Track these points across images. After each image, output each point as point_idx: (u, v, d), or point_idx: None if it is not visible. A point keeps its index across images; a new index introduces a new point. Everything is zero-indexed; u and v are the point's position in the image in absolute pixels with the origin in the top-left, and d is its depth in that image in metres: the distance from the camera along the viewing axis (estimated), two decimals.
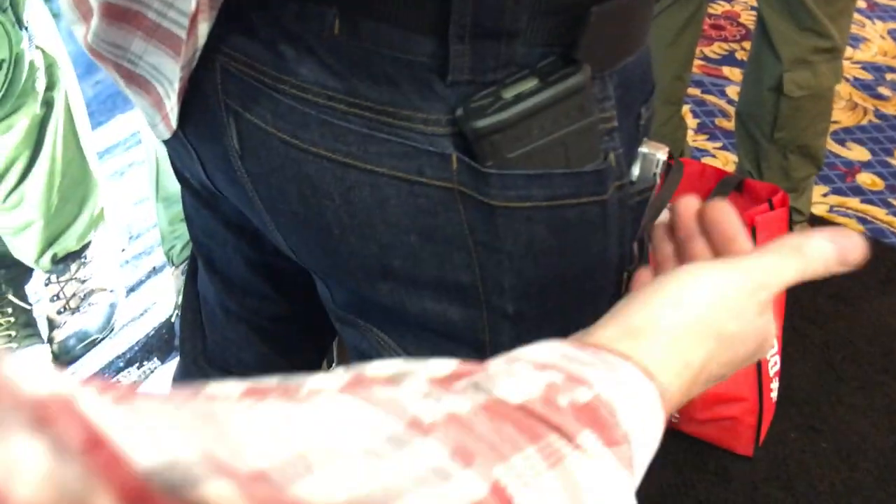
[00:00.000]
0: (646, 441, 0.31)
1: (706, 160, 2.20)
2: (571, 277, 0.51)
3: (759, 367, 1.42)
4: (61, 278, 1.27)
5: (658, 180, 0.51)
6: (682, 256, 0.46)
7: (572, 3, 0.44)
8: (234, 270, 0.70)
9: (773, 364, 1.47)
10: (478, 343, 0.53)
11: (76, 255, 1.27)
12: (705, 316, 0.38)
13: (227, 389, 0.23)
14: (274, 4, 0.46)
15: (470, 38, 0.43)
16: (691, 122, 2.34)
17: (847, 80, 2.47)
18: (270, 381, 0.25)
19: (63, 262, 1.26)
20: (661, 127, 1.78)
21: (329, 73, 0.45)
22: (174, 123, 0.53)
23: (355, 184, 0.47)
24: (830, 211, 2.02)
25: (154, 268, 1.40)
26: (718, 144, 2.25)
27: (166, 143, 0.59)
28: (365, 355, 0.60)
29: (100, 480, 0.16)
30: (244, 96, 0.49)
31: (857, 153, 2.22)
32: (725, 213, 0.44)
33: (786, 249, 0.40)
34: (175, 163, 0.67)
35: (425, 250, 0.49)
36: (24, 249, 1.21)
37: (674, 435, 1.48)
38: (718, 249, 0.44)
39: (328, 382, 0.26)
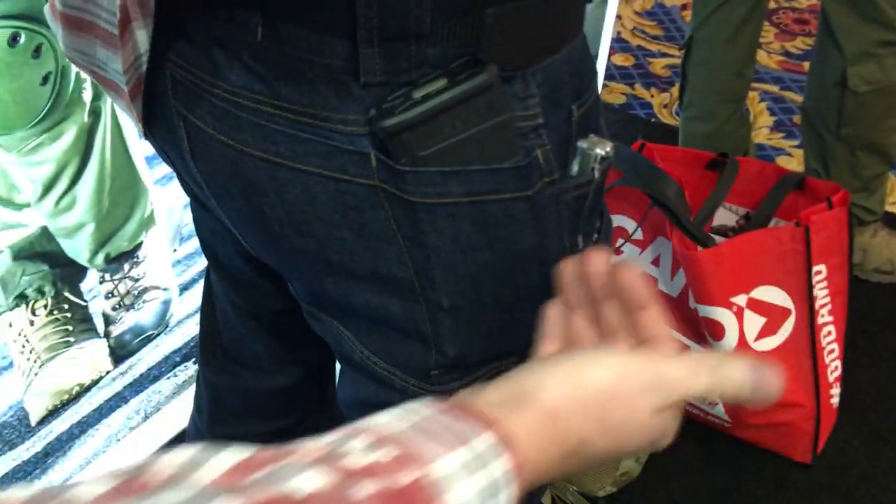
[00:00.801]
0: None
1: (782, 159, 2.13)
2: (504, 272, 0.52)
3: (817, 371, 1.37)
4: (115, 277, 1.34)
5: (597, 175, 0.51)
6: (595, 312, 0.46)
7: (468, 5, 0.45)
8: (235, 266, 0.74)
9: (834, 369, 1.41)
10: (421, 335, 0.54)
11: (129, 255, 1.34)
12: (593, 401, 0.39)
13: None
14: (205, 13, 0.49)
15: (378, 40, 0.45)
16: (767, 119, 2.27)
17: None
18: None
19: (116, 262, 1.33)
20: (722, 125, 1.74)
21: (255, 78, 0.48)
22: (142, 128, 0.56)
23: (287, 182, 0.49)
24: None
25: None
26: (795, 143, 2.17)
27: None
28: (334, 349, 0.62)
29: None
30: (188, 100, 0.52)
31: None
32: (636, 279, 0.45)
33: (703, 367, 0.41)
34: None
35: (358, 245, 0.51)
36: (78, 249, 1.29)
37: (729, 440, 1.44)
38: (629, 314, 0.45)
39: (86, 491, 0.26)
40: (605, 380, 0.39)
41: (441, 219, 0.48)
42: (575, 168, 0.51)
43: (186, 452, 0.30)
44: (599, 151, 0.50)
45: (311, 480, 0.29)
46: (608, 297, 0.46)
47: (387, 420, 0.34)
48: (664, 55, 2.53)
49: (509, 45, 0.46)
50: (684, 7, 2.74)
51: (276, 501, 0.27)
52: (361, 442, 0.32)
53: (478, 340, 0.55)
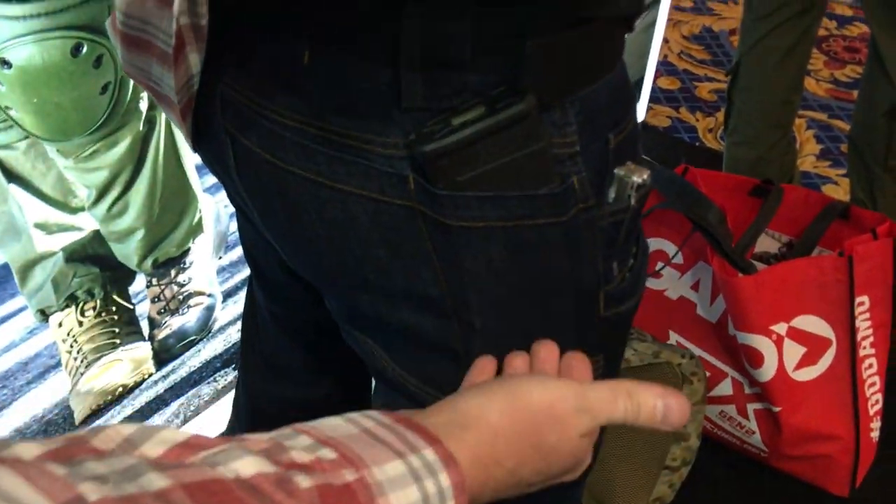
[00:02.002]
0: None
1: (828, 187, 2.11)
2: (537, 296, 0.52)
3: (857, 404, 1.35)
4: (162, 282, 1.37)
5: (633, 202, 0.51)
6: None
7: (511, 37, 0.46)
8: (276, 278, 0.75)
9: (875, 402, 1.39)
10: (454, 354, 0.55)
11: (176, 261, 1.37)
12: (531, 423, 0.40)
13: None
14: (256, 39, 0.51)
15: (420, 67, 0.46)
16: (814, 147, 2.25)
17: None
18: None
19: (163, 267, 1.36)
20: (768, 151, 1.73)
21: (300, 101, 0.50)
22: (192, 143, 0.59)
23: (327, 201, 0.51)
24: None
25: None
26: (842, 171, 2.15)
27: None
28: (368, 365, 0.63)
29: None
30: (236, 119, 0.54)
31: None
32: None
33: (619, 392, 0.43)
34: None
35: (395, 264, 0.52)
36: (128, 254, 1.33)
37: (765, 469, 1.42)
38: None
39: (26, 449, 0.27)
40: (543, 402, 0.41)
41: (476, 242, 0.49)
42: (611, 195, 0.51)
43: (132, 426, 0.31)
44: (636, 179, 0.51)
45: (250, 466, 0.30)
46: None
47: (333, 424, 0.36)
48: (710, 80, 2.52)
49: (548, 74, 0.47)
50: (732, 32, 2.73)
51: (210, 483, 0.28)
52: (306, 440, 0.34)
53: None
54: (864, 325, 1.34)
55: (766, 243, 1.53)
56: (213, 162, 0.61)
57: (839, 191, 2.08)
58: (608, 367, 0.59)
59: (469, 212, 0.48)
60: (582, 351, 0.57)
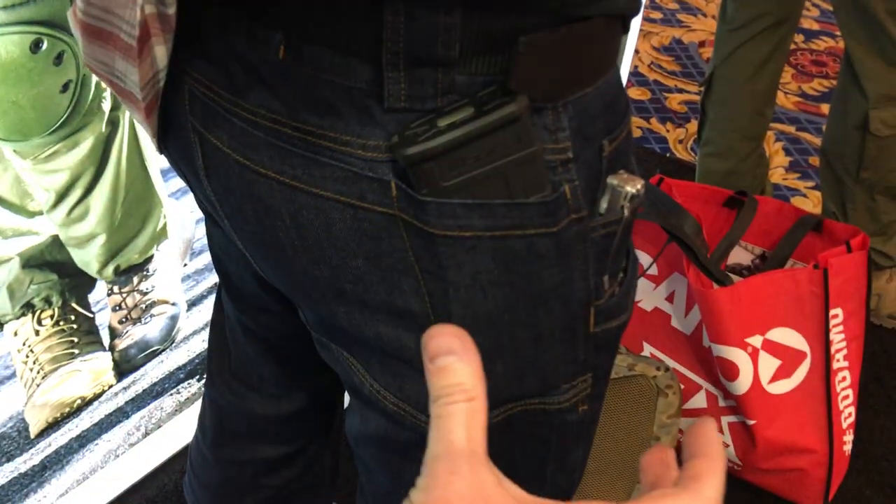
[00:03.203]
0: None
1: (797, 199, 2.12)
2: (525, 310, 0.49)
3: (831, 417, 1.35)
4: (123, 289, 1.33)
5: (626, 213, 0.49)
6: None
7: (501, 33, 0.43)
8: (247, 287, 0.72)
9: (848, 415, 1.39)
10: None
11: (139, 268, 1.33)
12: None
13: None
14: (227, 30, 0.47)
15: (404, 65, 0.43)
16: (783, 159, 2.26)
17: None
18: None
19: (125, 274, 1.32)
20: (741, 163, 1.73)
21: (274, 98, 0.46)
22: (157, 143, 0.55)
23: (303, 206, 0.48)
24: None
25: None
26: (811, 184, 2.16)
27: None
28: (343, 380, 0.60)
29: None
30: (206, 118, 0.50)
31: None
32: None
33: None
34: None
35: (374, 275, 0.49)
36: (88, 260, 1.28)
37: (737, 483, 1.41)
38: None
39: None
40: None
41: (461, 252, 0.46)
42: (604, 205, 0.49)
43: None
44: (630, 189, 0.48)
45: None
46: None
47: None
48: (681, 91, 2.53)
49: (541, 75, 0.44)
50: (702, 44, 2.74)
51: None
52: None
53: (493, 380, 0.52)
54: (837, 338, 1.34)
55: (739, 255, 1.53)
56: (179, 163, 0.57)
57: (808, 203, 2.09)
58: (596, 387, 0.56)
59: (455, 220, 0.45)
60: (572, 369, 0.55)
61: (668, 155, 2.26)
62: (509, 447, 0.55)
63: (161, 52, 0.49)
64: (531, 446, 0.57)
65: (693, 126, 2.34)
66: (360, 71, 0.44)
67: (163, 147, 0.58)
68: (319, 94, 0.45)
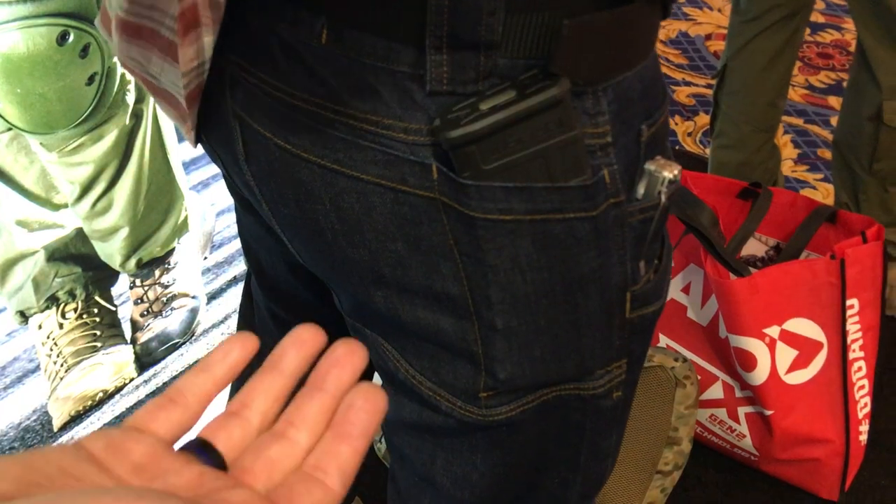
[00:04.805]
0: None
1: (806, 191, 2.12)
2: (563, 294, 0.50)
3: (847, 407, 1.35)
4: (145, 282, 1.33)
5: (663, 199, 0.49)
6: None
7: (545, 15, 0.43)
8: (279, 275, 0.72)
9: (864, 405, 1.39)
10: (472, 355, 0.52)
11: (160, 261, 1.33)
12: None
13: None
14: (269, 13, 0.47)
15: (447, 48, 0.43)
16: (791, 152, 2.26)
17: None
18: None
19: (147, 267, 1.32)
20: (753, 155, 1.73)
21: (316, 81, 0.46)
22: (194, 136, 0.55)
23: (343, 190, 0.48)
24: None
25: (235, 277, 1.45)
26: (819, 176, 2.17)
27: None
28: (377, 366, 0.60)
29: None
30: (247, 103, 0.50)
31: None
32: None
33: None
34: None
35: (413, 259, 0.49)
36: (111, 253, 1.28)
37: (755, 473, 1.42)
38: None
39: None
40: None
41: (501, 236, 0.47)
42: (641, 190, 0.49)
43: None
44: (667, 174, 0.49)
45: None
46: None
47: None
48: (688, 84, 2.53)
49: (583, 58, 0.44)
50: (708, 37, 2.74)
51: None
52: None
53: (530, 364, 0.53)
54: (853, 329, 1.35)
55: (753, 246, 1.53)
56: (217, 150, 0.57)
57: (817, 195, 2.09)
58: (630, 373, 0.57)
59: (495, 204, 0.45)
60: (607, 354, 0.55)
61: (677, 148, 2.26)
62: (544, 433, 0.56)
63: (209, 42, 0.49)
64: (565, 432, 0.57)
65: (702, 119, 2.34)
66: (402, 54, 0.44)
67: (201, 135, 0.58)
68: (361, 78, 0.45)
